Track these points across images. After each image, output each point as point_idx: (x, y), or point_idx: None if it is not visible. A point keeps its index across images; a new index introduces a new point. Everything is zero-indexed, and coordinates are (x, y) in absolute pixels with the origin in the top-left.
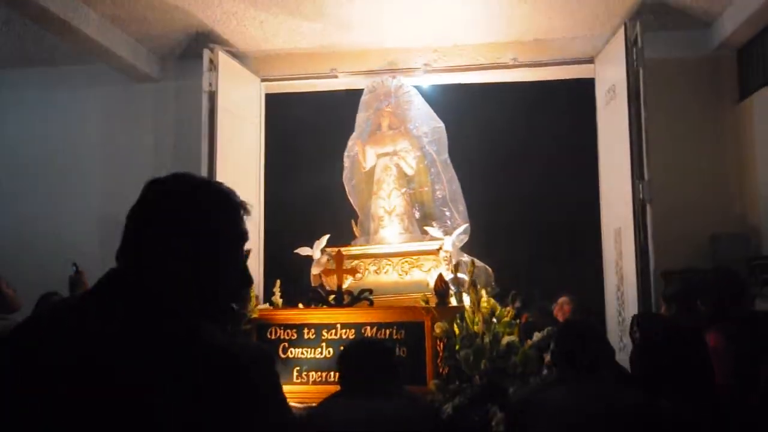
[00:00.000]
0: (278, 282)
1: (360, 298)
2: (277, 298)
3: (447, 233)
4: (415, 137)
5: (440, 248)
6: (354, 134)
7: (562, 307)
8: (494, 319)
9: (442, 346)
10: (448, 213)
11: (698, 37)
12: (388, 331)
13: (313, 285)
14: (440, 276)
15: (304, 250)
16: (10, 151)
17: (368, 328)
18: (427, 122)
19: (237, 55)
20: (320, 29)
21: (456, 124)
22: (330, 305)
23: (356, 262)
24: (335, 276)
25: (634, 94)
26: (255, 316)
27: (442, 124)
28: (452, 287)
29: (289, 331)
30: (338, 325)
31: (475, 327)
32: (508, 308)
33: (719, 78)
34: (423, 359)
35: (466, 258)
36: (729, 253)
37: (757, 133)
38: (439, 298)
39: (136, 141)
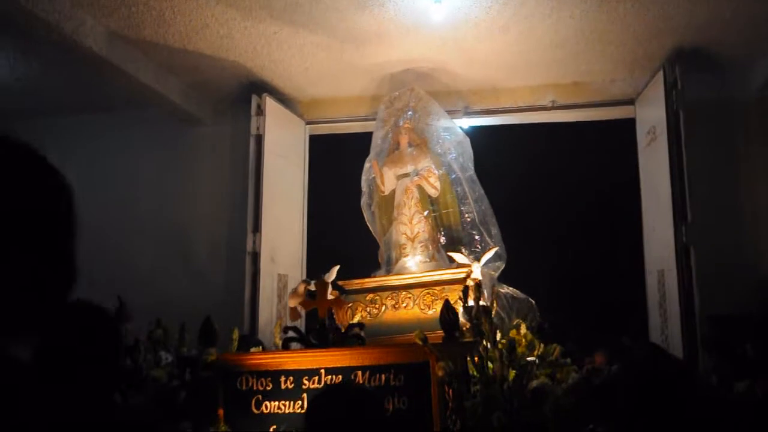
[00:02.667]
0: (279, 322)
1: (348, 335)
2: (277, 340)
3: (478, 260)
4: (438, 154)
5: (468, 276)
6: (370, 155)
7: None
8: (532, 358)
9: (451, 393)
10: (478, 237)
11: (740, 78)
12: (383, 376)
13: (290, 321)
14: (446, 303)
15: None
16: None
17: (359, 372)
18: (450, 136)
19: (283, 100)
20: (362, 75)
21: (498, 163)
22: (312, 346)
23: (371, 296)
24: (339, 312)
25: (675, 136)
26: (212, 358)
27: (466, 137)
28: (465, 318)
29: (263, 379)
30: (322, 371)
31: (492, 366)
32: (554, 345)
33: (763, 118)
34: (428, 411)
35: (506, 289)
36: None
37: None
38: (446, 332)
39: (185, 182)
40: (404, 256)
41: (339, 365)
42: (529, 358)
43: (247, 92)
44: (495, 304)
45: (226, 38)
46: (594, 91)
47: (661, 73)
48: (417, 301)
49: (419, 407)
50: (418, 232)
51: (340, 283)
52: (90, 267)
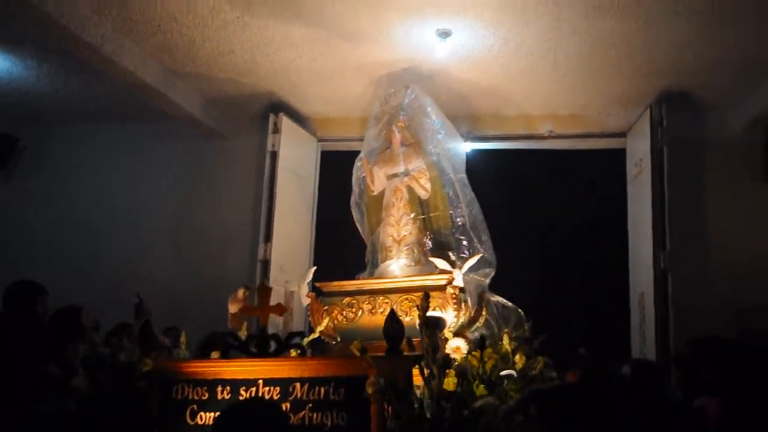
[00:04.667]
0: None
1: (289, 344)
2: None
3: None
4: (431, 154)
5: (449, 283)
6: (362, 152)
7: None
8: (508, 372)
9: (390, 410)
10: (466, 242)
11: (721, 119)
12: (322, 390)
13: (230, 327)
14: (391, 314)
15: (291, 285)
16: (87, 204)
17: (297, 384)
18: (444, 137)
19: (298, 119)
20: (371, 98)
21: (493, 185)
22: (251, 354)
23: (348, 299)
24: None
25: (658, 170)
26: (146, 368)
27: (461, 139)
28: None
29: (199, 389)
30: (260, 382)
31: (431, 384)
32: (539, 359)
33: (746, 156)
34: (367, 429)
35: (495, 298)
36: (757, 326)
37: None
38: (390, 344)
39: (205, 191)
40: (389, 259)
41: (277, 376)
42: (503, 372)
43: (266, 111)
44: (485, 312)
45: (250, 63)
46: (590, 123)
47: (648, 111)
48: (394, 307)
49: (359, 424)
50: (405, 235)
51: (317, 284)
52: (111, 269)
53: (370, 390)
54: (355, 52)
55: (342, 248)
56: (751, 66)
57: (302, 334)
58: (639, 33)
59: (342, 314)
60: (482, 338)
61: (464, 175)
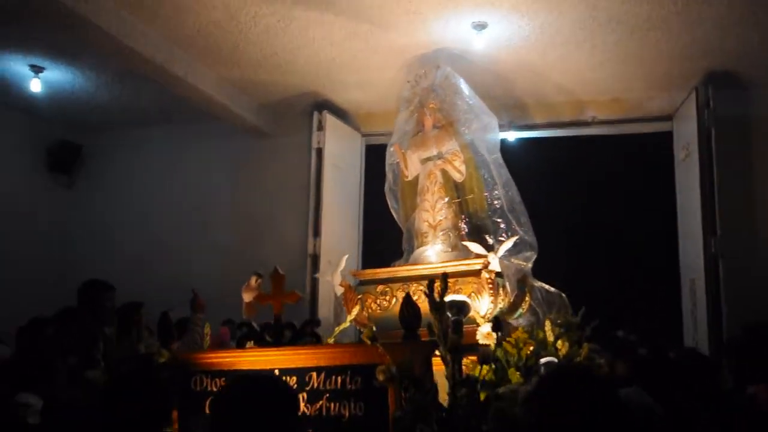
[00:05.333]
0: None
1: (304, 333)
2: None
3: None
4: (464, 135)
5: (484, 267)
6: (393, 137)
7: None
8: (549, 359)
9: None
10: (504, 225)
11: None
12: (339, 379)
13: (245, 317)
14: (406, 298)
15: (323, 274)
16: (144, 204)
17: (314, 374)
18: (478, 117)
19: (341, 115)
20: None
21: (539, 173)
22: (266, 344)
23: (381, 287)
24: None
25: (706, 154)
26: (162, 359)
27: (494, 119)
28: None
29: (217, 379)
30: (276, 371)
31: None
32: (585, 345)
33: None
34: (386, 418)
35: (537, 283)
36: None
37: None
38: (406, 330)
39: (252, 189)
40: (425, 245)
41: (293, 366)
42: (543, 359)
43: (310, 109)
44: (528, 297)
45: (292, 64)
46: (633, 107)
47: (694, 94)
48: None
49: (376, 413)
50: (441, 220)
51: (352, 273)
52: (164, 265)
53: (381, 377)
54: (393, 48)
55: (391, 239)
56: None
57: (317, 322)
58: (678, 16)
59: (376, 302)
60: (496, 319)
61: (499, 155)
